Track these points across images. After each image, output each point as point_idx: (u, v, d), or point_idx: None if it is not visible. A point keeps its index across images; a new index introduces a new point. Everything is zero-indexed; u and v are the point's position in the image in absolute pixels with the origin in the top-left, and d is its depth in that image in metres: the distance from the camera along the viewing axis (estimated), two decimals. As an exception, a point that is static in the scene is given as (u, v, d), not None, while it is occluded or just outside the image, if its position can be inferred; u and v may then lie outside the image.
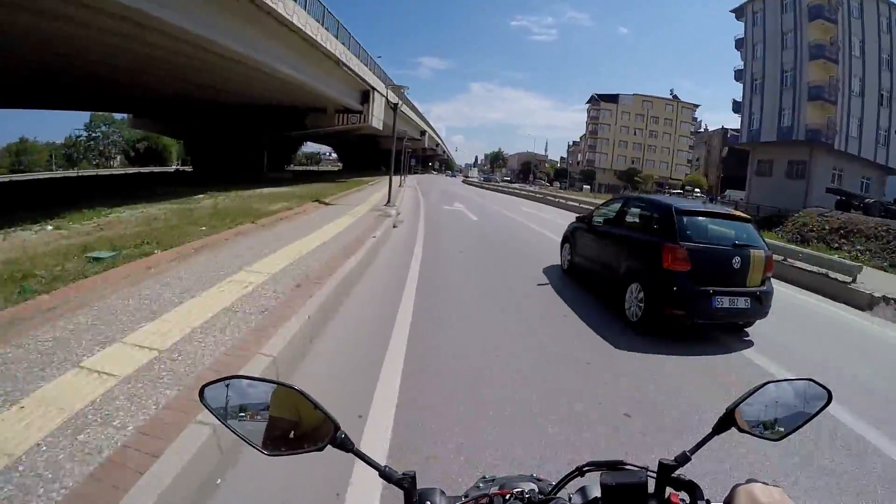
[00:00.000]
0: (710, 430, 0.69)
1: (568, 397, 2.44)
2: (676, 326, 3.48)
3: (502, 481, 0.71)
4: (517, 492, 0.69)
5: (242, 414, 0.69)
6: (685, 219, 3.65)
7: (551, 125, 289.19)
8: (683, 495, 0.66)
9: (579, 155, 67.21)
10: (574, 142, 74.14)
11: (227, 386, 0.69)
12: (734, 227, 3.80)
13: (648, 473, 0.68)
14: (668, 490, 0.68)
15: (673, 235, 3.58)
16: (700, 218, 3.75)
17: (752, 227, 3.83)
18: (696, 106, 61.80)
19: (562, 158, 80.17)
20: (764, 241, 3.87)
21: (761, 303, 3.59)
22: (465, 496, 0.70)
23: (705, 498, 0.64)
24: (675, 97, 59.06)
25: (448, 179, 46.99)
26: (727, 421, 0.70)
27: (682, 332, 3.51)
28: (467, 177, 52.10)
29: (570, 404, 2.37)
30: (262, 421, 0.68)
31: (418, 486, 0.67)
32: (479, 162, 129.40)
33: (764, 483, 0.58)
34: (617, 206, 4.74)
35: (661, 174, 56.43)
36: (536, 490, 0.70)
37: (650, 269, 3.59)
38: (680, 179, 47.80)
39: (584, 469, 0.71)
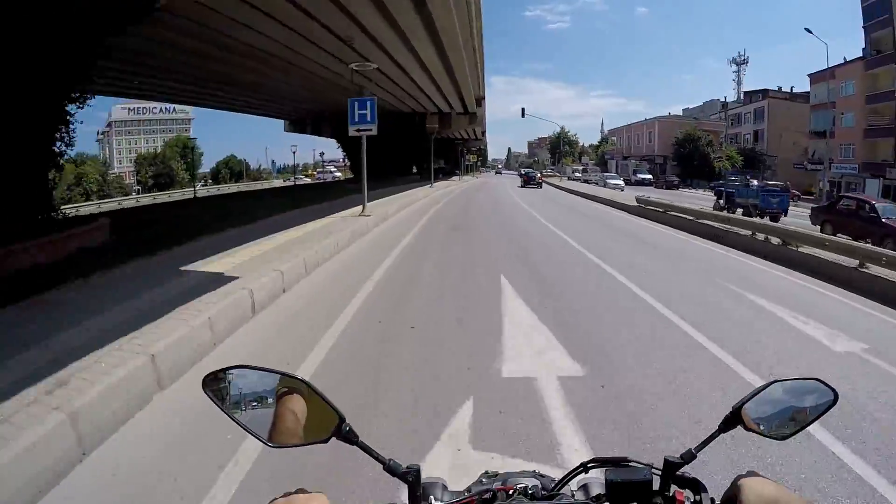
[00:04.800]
0: (717, 428, 0.92)
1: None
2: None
3: (504, 477, 0.94)
4: (521, 487, 0.89)
5: (246, 404, 0.88)
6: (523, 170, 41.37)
7: (576, 114, 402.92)
8: (688, 493, 0.87)
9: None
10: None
11: (231, 375, 0.90)
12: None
13: (653, 471, 0.88)
14: (673, 488, 0.88)
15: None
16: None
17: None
18: None
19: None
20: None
21: (539, 185, 40.10)
22: (468, 491, 0.92)
23: (710, 496, 0.85)
24: None
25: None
26: (733, 419, 0.92)
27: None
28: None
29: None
30: (266, 412, 0.87)
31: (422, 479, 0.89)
32: (511, 155, 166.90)
33: (765, 477, 0.79)
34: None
35: None
36: (539, 486, 0.91)
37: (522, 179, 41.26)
38: None
39: (589, 465, 0.91)
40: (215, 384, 0.87)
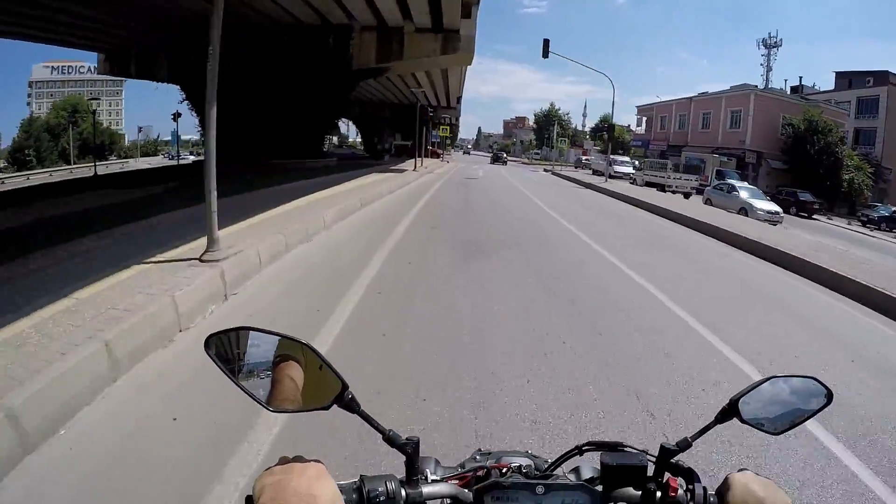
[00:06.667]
0: (713, 419, 0.96)
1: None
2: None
3: (498, 455, 0.99)
4: (515, 466, 0.93)
5: (248, 367, 0.90)
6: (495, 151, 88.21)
7: (545, 98, 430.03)
8: (682, 481, 0.90)
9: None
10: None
11: (233, 337, 0.90)
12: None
13: (648, 457, 0.92)
14: (667, 475, 0.92)
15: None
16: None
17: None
18: None
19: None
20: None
21: (504, 162, 66.42)
22: (462, 467, 0.97)
23: (703, 485, 0.88)
24: None
25: None
26: (730, 411, 0.96)
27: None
28: None
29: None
30: (267, 375, 0.89)
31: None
32: (482, 135, 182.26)
33: (756, 474, 0.86)
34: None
35: None
36: (533, 466, 0.96)
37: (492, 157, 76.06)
38: None
39: (584, 448, 0.96)
40: (218, 345, 0.90)
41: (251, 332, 0.90)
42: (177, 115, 43.40)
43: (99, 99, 66.50)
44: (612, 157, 42.04)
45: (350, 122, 79.98)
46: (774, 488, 0.82)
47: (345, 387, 0.88)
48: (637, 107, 74.49)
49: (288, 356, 0.90)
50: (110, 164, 57.13)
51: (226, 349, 0.90)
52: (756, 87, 52.42)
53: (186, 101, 31.37)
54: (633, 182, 37.38)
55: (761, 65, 72.04)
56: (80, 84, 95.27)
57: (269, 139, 26.39)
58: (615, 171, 39.58)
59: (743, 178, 38.44)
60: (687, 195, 30.94)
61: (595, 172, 47.19)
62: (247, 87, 24.97)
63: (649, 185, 34.32)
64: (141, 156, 72.94)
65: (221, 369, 0.88)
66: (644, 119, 67.75)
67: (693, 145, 50.66)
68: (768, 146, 44.12)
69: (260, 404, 0.87)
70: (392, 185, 20.16)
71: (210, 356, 0.89)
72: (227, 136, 28.28)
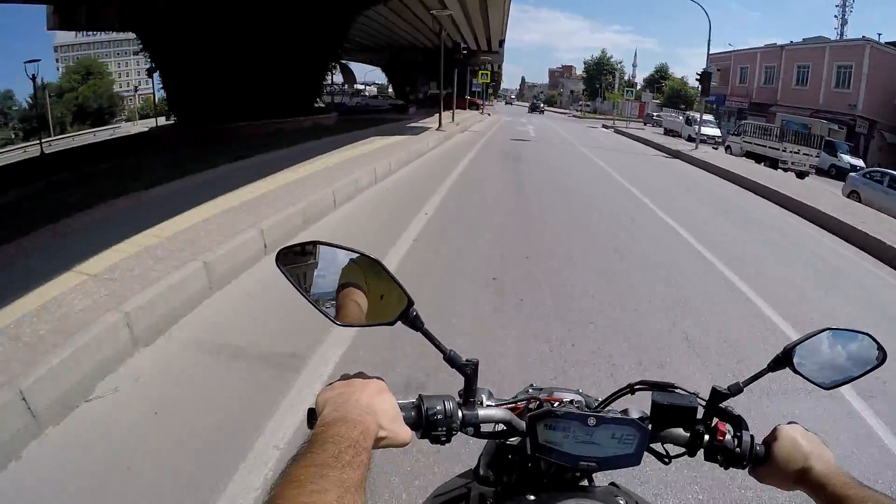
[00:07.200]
0: (766, 366, 0.97)
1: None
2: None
3: (550, 390, 1.01)
4: (567, 400, 0.97)
5: (318, 281, 0.93)
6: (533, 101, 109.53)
7: (588, 48, 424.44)
8: (730, 427, 0.93)
9: None
10: None
11: (304, 250, 0.94)
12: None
13: (699, 399, 0.94)
14: (716, 419, 0.94)
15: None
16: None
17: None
18: None
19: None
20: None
21: (541, 112, 73.54)
22: (515, 398, 1.00)
23: (750, 433, 0.92)
24: None
25: None
26: (783, 360, 0.97)
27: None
28: None
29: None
30: (335, 289, 0.92)
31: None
32: (525, 85, 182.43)
33: (805, 428, 0.90)
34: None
35: None
36: (584, 403, 0.98)
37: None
38: None
39: (636, 388, 0.97)
40: (289, 259, 0.92)
41: (323, 246, 0.92)
42: (151, 72, 32.26)
43: (39, 60, 55.85)
44: (694, 115, 35.34)
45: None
46: (820, 444, 0.86)
47: (410, 303, 0.89)
48: (712, 55, 63.60)
49: (351, 283, 0.91)
50: (99, 130, 51.45)
51: (296, 262, 0.92)
52: (863, 37, 40.09)
53: (144, 52, 24.26)
54: (728, 150, 29.24)
55: (835, 16, 65.41)
56: (106, 45, 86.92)
57: (239, 96, 19.98)
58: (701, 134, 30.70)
59: (853, 151, 30.59)
60: (802, 175, 22.77)
61: (668, 132, 39.18)
62: (210, 33, 18.81)
63: (749, 155, 26.28)
64: (141, 118, 66.44)
65: (292, 283, 0.90)
66: (718, 71, 57.47)
67: (784, 105, 41.56)
68: (884, 114, 34.79)
69: (328, 318, 0.89)
70: (393, 160, 12.94)
71: (281, 270, 0.90)
72: (186, 93, 22.64)
